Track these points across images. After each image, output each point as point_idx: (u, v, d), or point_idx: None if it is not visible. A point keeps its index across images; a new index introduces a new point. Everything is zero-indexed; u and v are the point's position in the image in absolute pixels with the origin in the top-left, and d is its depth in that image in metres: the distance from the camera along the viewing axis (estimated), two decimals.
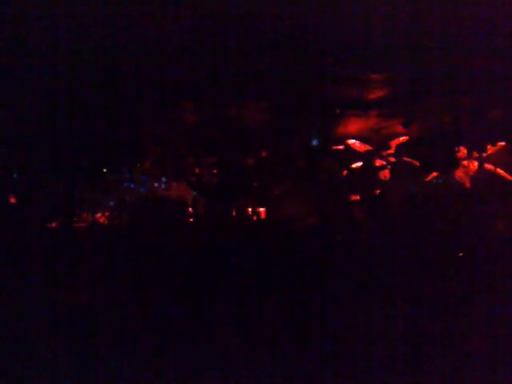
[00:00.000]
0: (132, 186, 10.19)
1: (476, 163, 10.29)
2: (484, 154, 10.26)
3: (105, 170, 9.73)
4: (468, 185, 10.25)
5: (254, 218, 9.67)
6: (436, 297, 6.23)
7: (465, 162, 10.28)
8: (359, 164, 10.56)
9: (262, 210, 9.86)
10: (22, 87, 7.49)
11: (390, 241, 7.60)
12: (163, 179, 10.38)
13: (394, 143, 10.49)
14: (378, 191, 10.17)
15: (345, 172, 10.51)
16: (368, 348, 5.01)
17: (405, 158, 10.51)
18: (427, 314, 5.83)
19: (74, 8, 5.35)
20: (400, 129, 9.94)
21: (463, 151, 10.22)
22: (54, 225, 8.65)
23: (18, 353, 4.86)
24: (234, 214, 9.60)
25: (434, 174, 10.43)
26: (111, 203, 9.92)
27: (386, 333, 5.31)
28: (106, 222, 9.59)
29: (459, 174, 10.26)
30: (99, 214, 9.76)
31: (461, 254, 7.56)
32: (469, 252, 7.41)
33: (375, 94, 8.59)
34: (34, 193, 8.76)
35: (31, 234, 7.47)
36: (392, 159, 10.57)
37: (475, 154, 10.27)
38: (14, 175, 8.93)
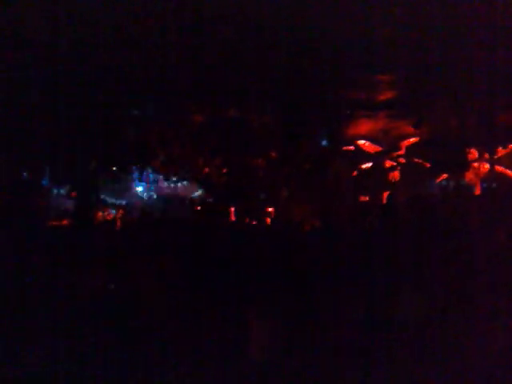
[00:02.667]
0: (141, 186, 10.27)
1: (487, 165, 10.22)
2: (495, 156, 10.19)
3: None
4: (478, 186, 10.18)
5: (263, 218, 9.68)
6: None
7: (475, 164, 10.22)
8: (369, 165, 10.55)
9: (270, 210, 9.88)
10: (33, 87, 7.59)
11: (399, 241, 7.55)
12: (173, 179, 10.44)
13: (404, 144, 10.45)
14: (387, 192, 10.12)
15: (355, 173, 10.50)
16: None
17: (415, 160, 10.47)
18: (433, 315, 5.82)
19: (79, 9, 5.41)
20: (410, 130, 9.89)
21: (474, 153, 10.16)
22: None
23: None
24: (242, 213, 9.62)
25: (445, 175, 10.38)
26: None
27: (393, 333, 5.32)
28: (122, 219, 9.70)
29: (470, 175, 10.19)
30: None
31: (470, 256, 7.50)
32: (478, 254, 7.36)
33: (385, 96, 8.59)
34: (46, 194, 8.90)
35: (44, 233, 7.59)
36: (402, 160, 10.54)
37: (486, 156, 10.20)
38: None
